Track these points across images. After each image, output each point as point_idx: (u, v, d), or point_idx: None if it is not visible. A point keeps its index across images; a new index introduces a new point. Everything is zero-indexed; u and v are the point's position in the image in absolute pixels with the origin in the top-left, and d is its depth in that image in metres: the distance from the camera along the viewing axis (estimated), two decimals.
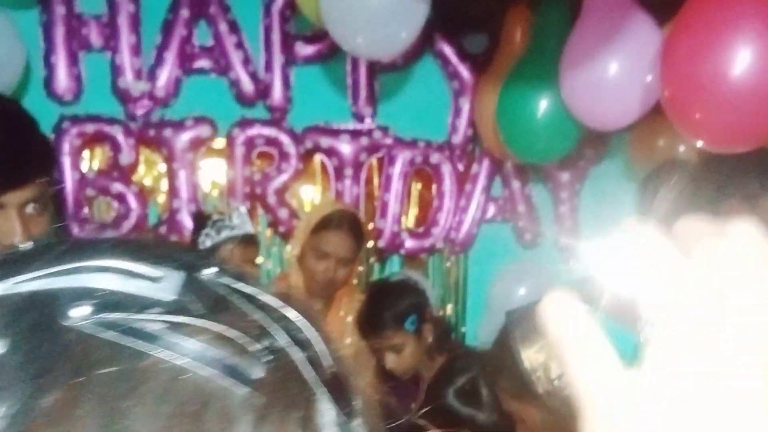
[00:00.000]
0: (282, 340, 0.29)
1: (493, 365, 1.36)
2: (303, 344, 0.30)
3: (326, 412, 0.29)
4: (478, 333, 2.47)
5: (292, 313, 0.30)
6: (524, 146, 2.28)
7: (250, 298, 0.30)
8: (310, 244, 2.05)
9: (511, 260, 2.59)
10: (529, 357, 1.28)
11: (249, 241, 2.00)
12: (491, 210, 2.64)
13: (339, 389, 0.30)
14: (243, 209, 2.06)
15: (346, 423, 0.30)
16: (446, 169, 2.59)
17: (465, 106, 2.58)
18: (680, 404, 0.25)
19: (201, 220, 2.03)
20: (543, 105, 2.16)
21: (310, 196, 2.59)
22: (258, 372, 0.28)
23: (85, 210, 2.45)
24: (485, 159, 2.60)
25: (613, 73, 1.98)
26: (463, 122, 2.58)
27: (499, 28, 2.39)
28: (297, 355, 0.29)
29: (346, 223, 2.06)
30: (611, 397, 0.26)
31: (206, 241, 1.95)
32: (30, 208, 0.97)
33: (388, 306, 1.98)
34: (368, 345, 2.00)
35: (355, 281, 2.46)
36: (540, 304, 0.28)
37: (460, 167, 2.62)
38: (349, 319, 2.10)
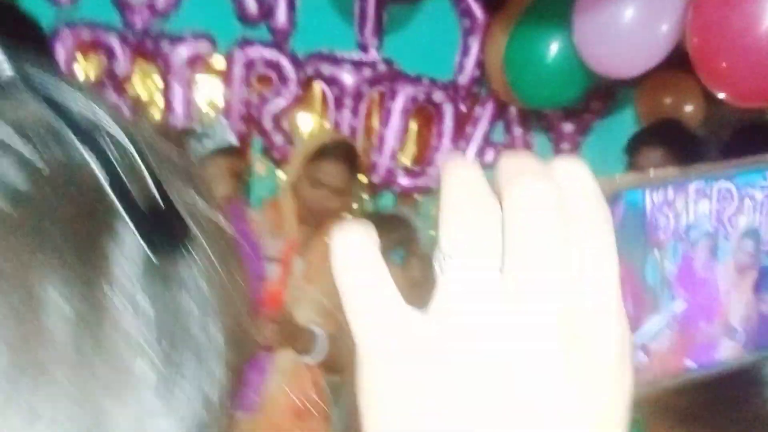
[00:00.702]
0: (76, 152, 0.24)
1: None
2: (107, 161, 0.24)
3: (127, 245, 0.24)
4: None
5: (112, 128, 0.25)
6: (531, 90, 2.22)
7: (51, 98, 0.24)
8: (306, 173, 2.02)
9: None
10: None
11: (232, 152, 1.97)
12: (490, 155, 2.60)
13: (159, 223, 0.24)
14: (223, 120, 2.01)
15: (165, 264, 0.24)
16: (448, 109, 2.53)
17: (474, 45, 2.50)
18: (464, 356, 0.22)
19: (181, 133, 1.99)
20: (553, 49, 2.11)
21: (307, 125, 2.54)
22: (23, 183, 0.23)
23: None
24: (489, 102, 2.54)
25: (628, 19, 1.92)
26: (470, 62, 2.51)
27: None
28: (91, 172, 0.24)
29: (343, 153, 2.03)
30: (391, 342, 0.24)
31: None
32: None
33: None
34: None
35: (349, 216, 2.44)
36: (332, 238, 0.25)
37: (463, 108, 2.56)
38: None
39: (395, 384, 0.23)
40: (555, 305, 0.22)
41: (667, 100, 2.39)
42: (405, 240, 2.00)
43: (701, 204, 0.31)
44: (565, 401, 0.22)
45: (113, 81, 2.39)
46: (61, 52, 2.33)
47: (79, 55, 2.39)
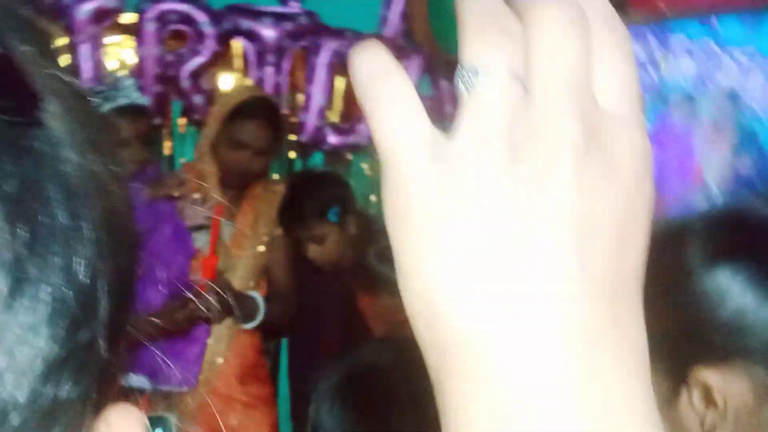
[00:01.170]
0: None
1: None
2: None
3: None
4: None
5: None
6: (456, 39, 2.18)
7: None
8: (225, 133, 1.94)
9: None
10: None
11: (138, 112, 1.85)
12: None
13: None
14: (129, 79, 1.88)
15: (12, 134, 0.21)
16: None
17: None
18: (496, 168, 0.23)
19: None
20: None
21: (228, 83, 2.42)
22: None
23: None
24: (415, 55, 2.49)
25: None
26: (395, 14, 2.44)
27: None
28: None
29: (263, 110, 1.95)
30: (422, 149, 0.24)
31: None
32: None
33: (310, 196, 1.96)
34: (290, 235, 1.98)
35: (276, 176, 2.37)
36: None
37: None
38: (265, 210, 2.04)
39: (424, 192, 0.23)
40: (580, 114, 0.23)
41: None
42: (340, 197, 1.96)
43: (683, 61, 0.30)
44: (588, 211, 0.22)
45: None
46: None
47: None
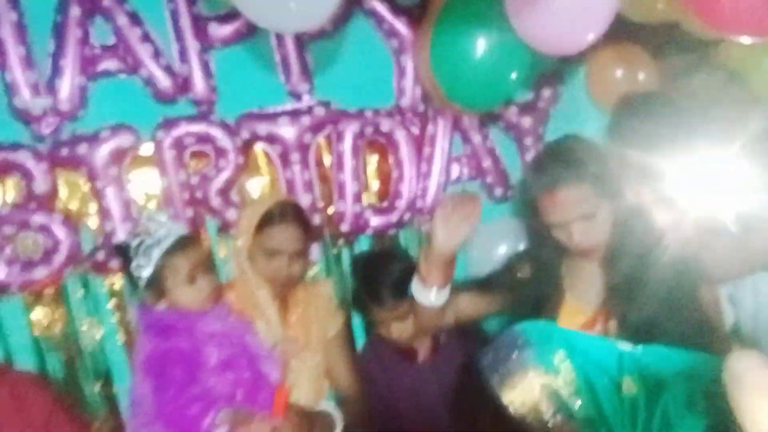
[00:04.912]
0: None
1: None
2: None
3: None
4: None
5: None
6: (464, 93, 2.09)
7: None
8: (257, 245, 1.88)
9: (485, 218, 2.42)
10: (514, 401, 1.27)
11: (186, 243, 1.77)
12: (456, 170, 2.46)
13: None
14: (162, 215, 1.81)
15: None
16: (400, 135, 2.39)
17: (408, 64, 2.37)
18: None
19: (124, 252, 1.77)
20: (480, 46, 1.97)
21: (259, 190, 2.35)
22: None
23: (8, 251, 2.15)
24: (440, 117, 2.41)
25: None
26: (409, 82, 2.38)
27: None
28: None
29: (289, 214, 1.91)
30: None
31: (143, 272, 1.71)
32: None
33: (386, 276, 2.00)
34: (371, 320, 1.99)
35: (321, 274, 2.28)
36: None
37: (415, 130, 2.42)
38: (313, 314, 1.99)
39: None
40: None
41: (618, 73, 2.32)
42: (412, 271, 1.92)
43: None
44: None
45: (37, 201, 2.16)
46: None
47: None
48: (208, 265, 1.83)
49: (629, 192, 1.66)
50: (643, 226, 1.63)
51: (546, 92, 2.45)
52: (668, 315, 1.55)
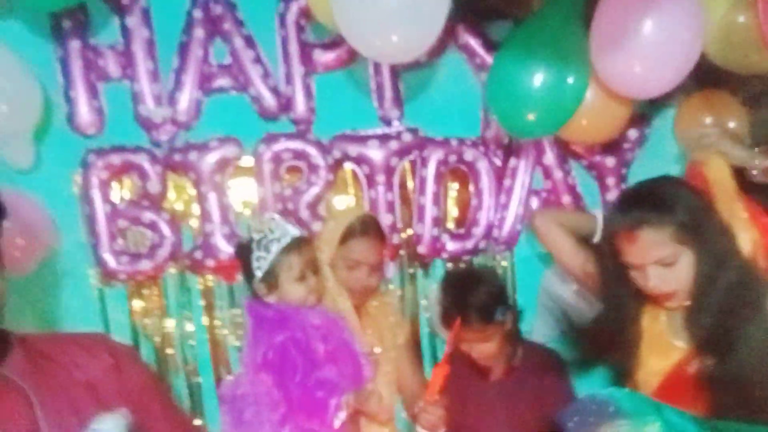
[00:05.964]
0: None
1: None
2: None
3: None
4: (532, 333, 2.34)
5: None
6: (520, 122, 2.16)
7: None
8: (340, 255, 2.01)
9: None
10: None
11: (302, 243, 1.91)
12: (535, 203, 2.52)
13: None
14: (276, 216, 1.97)
15: None
16: (482, 166, 2.47)
17: None
18: None
19: (244, 249, 1.92)
20: (537, 79, 2.05)
21: (344, 207, 2.50)
22: None
23: (120, 242, 2.41)
24: (522, 151, 2.48)
25: (647, 33, 1.84)
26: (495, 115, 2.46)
27: (524, 12, 2.27)
28: None
29: (371, 228, 2.04)
30: None
31: (262, 266, 1.86)
32: None
33: (474, 299, 2.00)
34: (458, 337, 1.99)
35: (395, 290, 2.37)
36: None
37: (497, 162, 2.50)
38: (384, 323, 2.09)
39: None
40: None
41: (708, 119, 2.30)
42: (504, 296, 2.02)
43: None
44: None
45: (149, 199, 2.41)
46: (94, 181, 2.38)
47: (112, 180, 2.42)
48: (317, 265, 1.95)
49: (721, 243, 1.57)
50: (736, 278, 1.54)
51: (632, 134, 2.46)
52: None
